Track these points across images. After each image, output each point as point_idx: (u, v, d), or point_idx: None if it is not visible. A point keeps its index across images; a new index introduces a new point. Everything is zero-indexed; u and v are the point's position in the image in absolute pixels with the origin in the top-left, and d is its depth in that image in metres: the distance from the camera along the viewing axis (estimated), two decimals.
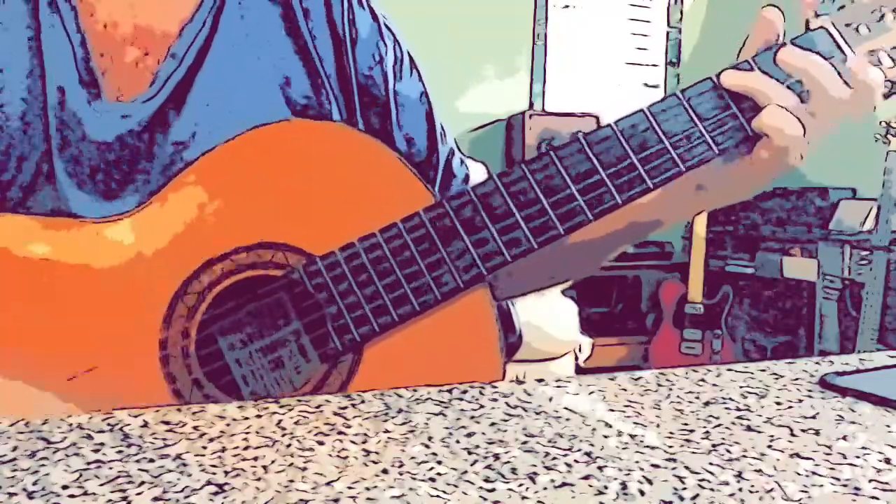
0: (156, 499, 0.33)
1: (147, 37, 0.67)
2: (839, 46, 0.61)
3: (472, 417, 0.43)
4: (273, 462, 0.37)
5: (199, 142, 0.65)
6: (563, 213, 0.59)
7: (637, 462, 0.37)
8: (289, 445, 0.39)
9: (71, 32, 0.65)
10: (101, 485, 0.34)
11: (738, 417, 0.44)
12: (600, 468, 0.36)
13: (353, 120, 0.73)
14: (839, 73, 0.60)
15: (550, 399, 0.46)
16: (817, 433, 0.41)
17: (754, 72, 0.60)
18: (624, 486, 0.34)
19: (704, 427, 0.42)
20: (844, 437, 0.41)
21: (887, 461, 0.37)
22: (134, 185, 0.65)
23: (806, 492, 0.34)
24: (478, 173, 0.80)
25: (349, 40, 0.73)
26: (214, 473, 0.35)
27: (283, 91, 0.70)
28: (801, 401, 0.47)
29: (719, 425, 0.42)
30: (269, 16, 0.72)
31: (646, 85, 3.73)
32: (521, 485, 0.34)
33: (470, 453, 0.38)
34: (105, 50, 0.66)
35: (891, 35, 0.62)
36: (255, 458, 0.37)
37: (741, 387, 0.49)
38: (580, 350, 2.55)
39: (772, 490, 0.34)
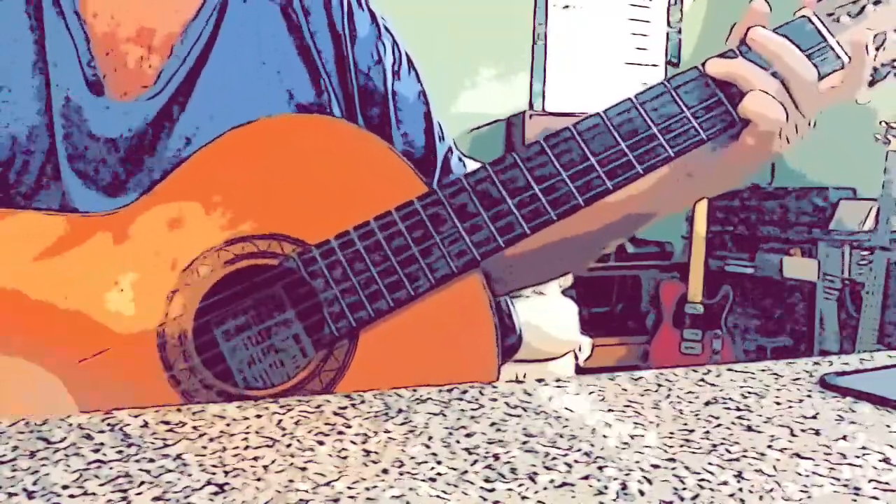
0: (156, 499, 0.33)
1: (150, 37, 0.68)
2: (821, 34, 0.63)
3: (472, 417, 0.43)
4: (273, 462, 0.37)
5: (202, 139, 0.66)
6: (555, 199, 0.60)
7: (637, 462, 0.37)
8: (289, 445, 0.39)
9: (74, 32, 0.66)
10: (101, 485, 0.34)
11: (738, 417, 0.44)
12: (600, 468, 0.36)
13: (353, 118, 0.74)
14: (828, 57, 0.62)
15: (550, 399, 0.46)
16: (817, 433, 0.41)
17: (738, 59, 0.62)
18: (624, 486, 0.34)
19: (704, 427, 0.42)
20: (844, 437, 0.41)
21: (887, 461, 0.37)
22: (138, 183, 0.65)
23: (806, 492, 0.34)
24: None
25: (348, 40, 0.74)
26: (214, 473, 0.35)
27: (284, 89, 0.70)
28: (801, 401, 0.47)
29: (719, 425, 0.42)
30: (271, 15, 0.72)
31: (645, 85, 3.73)
32: (521, 485, 0.34)
33: (470, 453, 0.38)
34: (108, 50, 0.67)
35: (870, 24, 0.64)
36: (255, 458, 0.37)
37: (741, 387, 0.49)
38: (580, 350, 2.55)
39: (772, 490, 0.34)
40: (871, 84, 0.65)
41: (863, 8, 0.64)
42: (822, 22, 0.63)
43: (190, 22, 0.69)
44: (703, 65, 0.62)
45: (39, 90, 0.64)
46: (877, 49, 0.64)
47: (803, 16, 0.64)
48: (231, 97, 0.68)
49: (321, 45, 0.73)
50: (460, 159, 0.82)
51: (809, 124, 0.64)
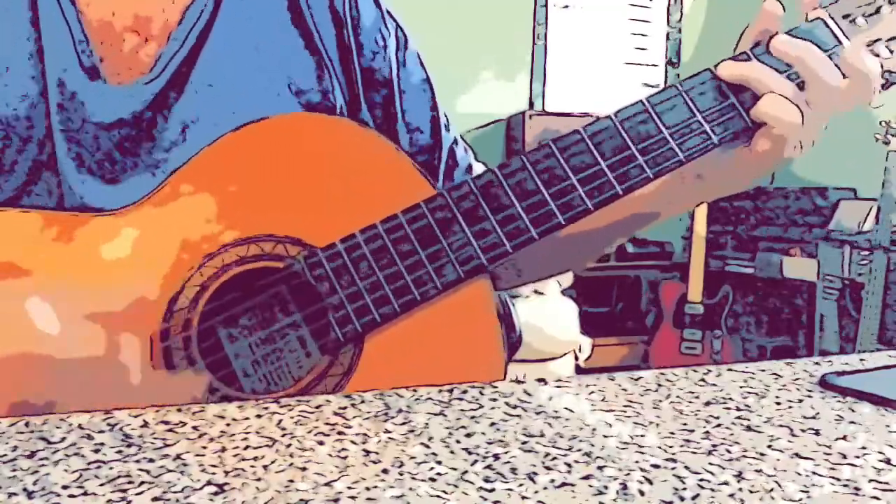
0: (156, 499, 0.33)
1: (147, 26, 0.68)
2: (836, 37, 0.62)
3: (472, 417, 0.43)
4: (273, 462, 0.37)
5: (201, 124, 0.65)
6: (563, 204, 0.59)
7: (637, 462, 0.37)
8: (289, 445, 0.39)
9: (70, 20, 0.65)
10: (101, 485, 0.34)
11: (738, 417, 0.44)
12: (600, 468, 0.36)
13: (356, 105, 0.73)
14: (836, 63, 0.61)
15: (550, 399, 0.46)
16: (817, 433, 0.41)
17: (752, 61, 0.61)
18: (624, 486, 0.34)
19: (704, 427, 0.42)
20: (844, 437, 0.41)
21: (887, 461, 0.37)
22: (136, 168, 0.65)
23: (806, 492, 0.34)
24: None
25: (351, 25, 0.73)
26: (214, 473, 0.35)
27: (284, 74, 0.70)
28: (801, 401, 0.47)
29: (719, 425, 0.42)
30: None
31: (645, 85, 3.73)
32: (521, 485, 0.34)
33: (470, 453, 0.38)
34: (105, 39, 0.66)
35: (886, 26, 0.63)
36: (255, 458, 0.37)
37: (741, 387, 0.49)
38: (580, 350, 2.55)
39: (772, 490, 0.34)
40: (885, 87, 0.64)
41: (878, 9, 0.63)
42: (837, 24, 0.62)
43: (187, 8, 0.68)
44: (716, 67, 0.61)
45: (34, 75, 0.64)
46: (891, 52, 0.63)
47: (818, 17, 0.63)
48: (230, 82, 0.68)
49: (323, 30, 0.72)
50: (466, 150, 0.81)
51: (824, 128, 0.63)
